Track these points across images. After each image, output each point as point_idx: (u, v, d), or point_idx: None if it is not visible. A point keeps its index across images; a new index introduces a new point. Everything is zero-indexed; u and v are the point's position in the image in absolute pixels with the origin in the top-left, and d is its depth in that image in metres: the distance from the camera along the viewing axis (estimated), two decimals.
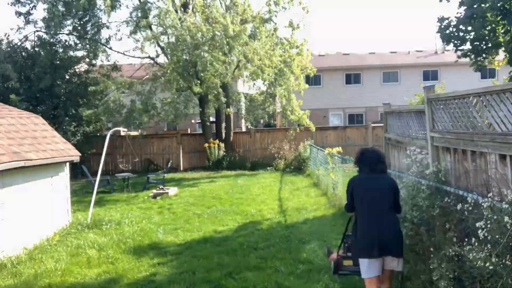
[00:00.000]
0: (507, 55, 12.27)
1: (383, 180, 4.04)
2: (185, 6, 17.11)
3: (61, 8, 15.61)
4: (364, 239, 3.86)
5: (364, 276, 3.88)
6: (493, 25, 11.47)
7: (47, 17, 15.87)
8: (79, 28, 16.61)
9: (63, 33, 17.11)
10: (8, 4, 17.03)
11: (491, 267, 3.18)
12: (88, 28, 16.71)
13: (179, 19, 15.26)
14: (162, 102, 17.33)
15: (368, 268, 3.81)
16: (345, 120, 29.40)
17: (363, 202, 3.95)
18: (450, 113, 4.77)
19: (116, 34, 22.64)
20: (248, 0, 17.76)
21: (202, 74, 15.41)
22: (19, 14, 16.96)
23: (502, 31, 11.70)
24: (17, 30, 17.28)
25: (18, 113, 8.66)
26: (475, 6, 11.01)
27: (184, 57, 15.12)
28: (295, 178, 15.65)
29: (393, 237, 3.85)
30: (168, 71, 15.47)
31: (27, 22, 16.99)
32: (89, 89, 16.36)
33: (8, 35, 17.39)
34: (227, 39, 14.83)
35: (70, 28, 16.84)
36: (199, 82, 15.56)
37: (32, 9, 16.95)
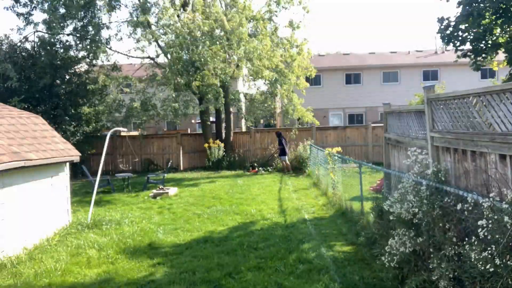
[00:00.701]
0: (507, 55, 12.27)
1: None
2: (184, 5, 17.10)
3: (61, 9, 15.62)
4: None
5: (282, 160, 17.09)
6: (491, 25, 11.48)
7: (47, 18, 15.86)
8: (79, 28, 16.60)
9: (64, 34, 17.10)
10: (7, 8, 16.98)
11: (491, 269, 3.18)
12: (89, 29, 16.69)
13: (178, 15, 15.24)
14: (163, 101, 17.31)
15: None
16: (345, 120, 29.40)
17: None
18: (450, 113, 4.76)
19: (117, 34, 22.62)
20: (247, 0, 17.77)
21: (200, 71, 15.40)
22: (19, 14, 16.93)
23: (499, 30, 11.72)
24: (17, 31, 17.26)
25: (18, 113, 8.66)
26: (474, 5, 11.02)
27: (183, 53, 15.10)
28: (295, 178, 15.65)
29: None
30: (167, 68, 15.46)
31: (28, 22, 16.96)
32: (87, 87, 16.36)
33: (9, 36, 17.37)
34: (226, 35, 14.82)
35: (71, 28, 16.83)
36: (199, 80, 15.57)
37: (32, 9, 16.93)
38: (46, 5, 16.11)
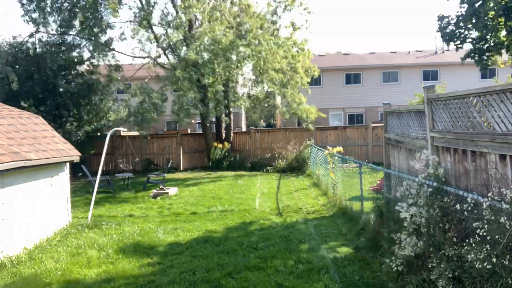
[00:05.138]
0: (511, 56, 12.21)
1: None
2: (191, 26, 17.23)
3: (65, 11, 15.63)
4: None
5: None
6: (494, 23, 11.40)
7: (53, 18, 15.88)
8: (83, 28, 16.58)
9: (67, 34, 17.09)
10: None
11: (489, 267, 3.17)
12: (91, 25, 16.65)
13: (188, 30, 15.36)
14: (172, 102, 17.33)
15: None
16: (345, 120, 29.39)
17: None
18: (450, 113, 4.76)
19: (121, 35, 22.60)
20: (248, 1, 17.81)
21: (205, 81, 15.49)
22: (25, 11, 16.85)
23: (504, 33, 11.64)
24: (29, 36, 17.12)
25: (18, 113, 8.66)
26: (477, 5, 10.94)
27: (205, 56, 15.16)
28: (295, 178, 15.65)
29: None
30: (181, 78, 15.50)
31: (34, 22, 16.89)
32: (95, 86, 16.42)
33: (12, 38, 17.32)
34: (247, 42, 15.04)
35: (76, 28, 16.82)
36: (199, 86, 15.71)
37: (40, 6, 16.83)
38: (48, 3, 16.08)
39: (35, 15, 16.61)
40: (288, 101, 18.45)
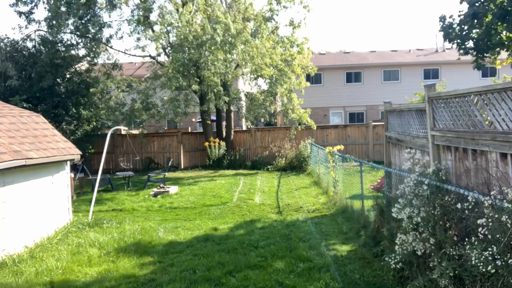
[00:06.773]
0: (511, 55, 12.19)
1: None
2: (185, 4, 17.09)
3: (63, 7, 15.59)
4: None
5: None
6: (495, 25, 11.40)
7: (49, 16, 15.85)
8: (80, 27, 16.58)
9: (65, 32, 17.08)
10: (9, 5, 16.99)
11: (493, 270, 3.17)
12: (89, 27, 16.68)
13: (182, 18, 15.25)
14: (163, 100, 17.33)
15: None
16: (346, 119, 29.38)
17: None
18: (451, 111, 4.76)
19: (117, 32, 22.73)
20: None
21: (202, 73, 15.43)
22: (20, 13, 16.91)
23: (504, 32, 11.64)
24: (19, 30, 17.20)
25: (19, 112, 8.66)
26: (477, 4, 10.94)
27: (185, 55, 15.11)
28: (295, 177, 15.65)
29: None
30: (170, 70, 15.47)
31: (29, 21, 16.94)
32: (90, 90, 16.39)
33: (8, 35, 17.39)
34: (230, 38, 14.83)
35: (72, 27, 16.81)
36: (198, 80, 15.61)
37: (33, 8, 16.90)
38: (47, 3, 16.12)
39: (23, 9, 16.65)
40: (283, 102, 18.40)
